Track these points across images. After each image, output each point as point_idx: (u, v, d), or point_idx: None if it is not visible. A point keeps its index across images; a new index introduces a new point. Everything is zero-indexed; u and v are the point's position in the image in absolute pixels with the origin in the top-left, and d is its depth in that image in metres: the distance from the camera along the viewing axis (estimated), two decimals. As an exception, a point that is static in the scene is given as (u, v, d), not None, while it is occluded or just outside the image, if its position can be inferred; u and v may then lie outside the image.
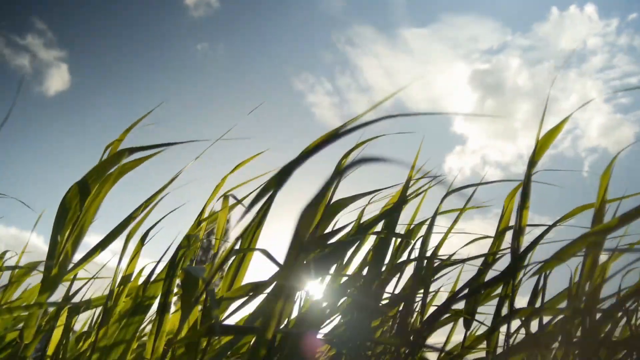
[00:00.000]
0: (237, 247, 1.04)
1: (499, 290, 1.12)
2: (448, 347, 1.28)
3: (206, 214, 1.24)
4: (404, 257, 1.23)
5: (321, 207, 1.05)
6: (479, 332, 1.28)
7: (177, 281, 1.07)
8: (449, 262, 1.12)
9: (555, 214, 1.05)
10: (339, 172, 0.57)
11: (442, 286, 1.31)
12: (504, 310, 1.05)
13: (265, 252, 0.81)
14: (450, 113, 0.59)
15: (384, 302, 1.13)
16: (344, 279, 1.16)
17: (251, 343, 1.06)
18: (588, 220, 0.96)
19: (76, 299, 1.33)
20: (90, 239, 1.18)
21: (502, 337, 1.05)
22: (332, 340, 0.89)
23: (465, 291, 1.04)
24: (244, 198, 1.17)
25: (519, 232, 0.91)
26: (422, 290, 1.11)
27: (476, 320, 1.10)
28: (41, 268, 1.26)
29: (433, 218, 1.04)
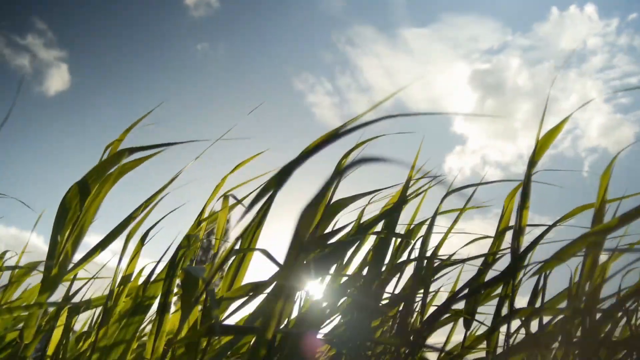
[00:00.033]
0: (237, 247, 1.04)
1: (499, 290, 1.12)
2: (448, 347, 1.28)
3: (206, 214, 1.24)
4: (404, 257, 1.23)
5: (321, 207, 1.05)
6: (479, 332, 1.28)
7: (177, 281, 1.07)
8: (449, 262, 1.12)
9: (556, 214, 1.05)
10: (339, 172, 0.57)
11: (442, 286, 1.31)
12: (504, 310, 1.05)
13: (265, 252, 0.81)
14: (450, 113, 0.59)
15: (384, 302, 1.13)
16: (344, 279, 1.16)
17: (251, 343, 1.06)
18: (588, 220, 0.96)
19: (76, 299, 1.33)
20: (91, 239, 1.18)
21: (502, 337, 1.05)
22: (332, 340, 0.89)
23: (465, 291, 1.04)
24: (244, 198, 1.17)
25: (519, 232, 0.91)
26: (422, 290, 1.11)
27: (476, 321, 1.10)
28: (41, 268, 1.26)
29: (433, 218, 1.04)
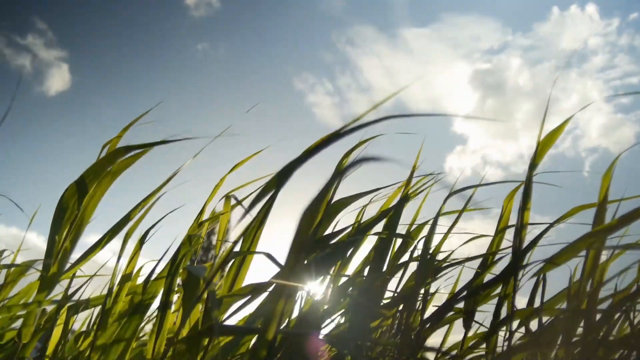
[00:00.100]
0: (238, 247, 1.04)
1: (499, 290, 1.12)
2: (445, 347, 1.28)
3: (206, 214, 1.24)
4: (405, 257, 1.22)
5: (322, 207, 1.05)
6: (479, 332, 1.28)
7: (178, 281, 1.06)
8: (450, 263, 1.12)
9: (556, 214, 1.05)
10: (340, 173, 0.56)
11: (442, 287, 1.31)
12: (504, 310, 1.05)
13: (267, 254, 0.81)
14: (450, 114, 0.58)
15: (384, 302, 1.13)
16: (345, 279, 1.16)
17: (252, 343, 1.06)
18: (589, 220, 0.96)
19: (75, 299, 1.32)
20: (90, 239, 1.18)
21: (502, 337, 1.05)
22: (333, 340, 0.88)
23: (466, 292, 1.04)
24: (244, 199, 1.17)
25: (520, 229, 0.91)
26: (422, 290, 1.11)
27: (476, 322, 1.10)
28: (38, 266, 1.26)
29: (436, 219, 1.04)
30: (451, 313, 1.13)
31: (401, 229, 1.24)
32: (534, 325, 1.05)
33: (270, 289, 0.91)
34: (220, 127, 1.18)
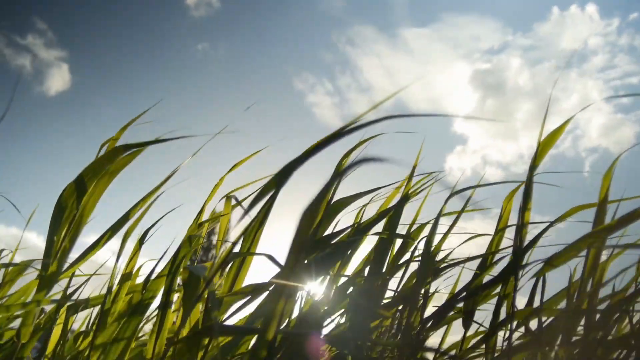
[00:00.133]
0: (238, 247, 1.04)
1: (498, 289, 1.12)
2: (444, 347, 1.28)
3: (205, 214, 1.24)
4: (406, 257, 1.22)
5: (322, 207, 1.05)
6: (478, 331, 1.28)
7: (178, 281, 1.06)
8: (451, 263, 1.12)
9: (556, 215, 1.05)
10: (339, 173, 0.56)
11: (441, 286, 1.31)
12: (504, 310, 1.05)
13: (266, 255, 0.80)
14: (450, 114, 0.58)
15: (384, 302, 1.13)
16: (345, 279, 1.16)
17: (252, 343, 1.06)
18: (589, 220, 0.96)
19: (74, 298, 1.32)
20: (89, 239, 1.18)
21: (501, 337, 1.05)
22: (333, 340, 0.88)
23: (466, 292, 1.04)
24: (244, 199, 1.17)
25: (521, 228, 0.91)
26: (422, 290, 1.11)
27: (475, 322, 1.10)
28: (37, 265, 1.25)
29: (437, 219, 1.04)
30: (451, 313, 1.13)
31: (402, 229, 1.24)
32: (533, 324, 1.05)
33: (270, 289, 0.91)
34: (221, 126, 1.18)
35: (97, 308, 1.38)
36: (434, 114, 0.57)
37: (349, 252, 1.18)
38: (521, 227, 0.91)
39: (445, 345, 1.30)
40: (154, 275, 1.11)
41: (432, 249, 1.17)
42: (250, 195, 1.27)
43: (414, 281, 1.20)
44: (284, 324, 1.01)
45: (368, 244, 1.26)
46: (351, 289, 1.13)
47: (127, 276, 1.17)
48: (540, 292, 1.07)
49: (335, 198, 1.14)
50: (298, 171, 0.57)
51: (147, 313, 1.19)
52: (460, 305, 1.11)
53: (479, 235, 1.24)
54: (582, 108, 0.90)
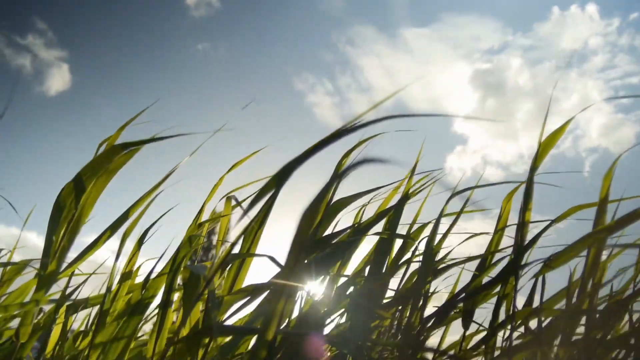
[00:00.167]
0: (238, 247, 1.04)
1: (498, 289, 1.12)
2: (443, 347, 1.28)
3: (205, 214, 1.24)
4: (406, 257, 1.22)
5: (322, 207, 1.05)
6: (477, 330, 1.27)
7: (178, 280, 1.06)
8: (451, 263, 1.12)
9: (556, 215, 1.05)
10: (339, 174, 0.56)
11: (441, 286, 1.31)
12: (504, 310, 1.05)
13: (267, 256, 0.80)
14: (450, 115, 0.58)
15: (385, 302, 1.13)
16: (345, 278, 1.16)
17: (252, 343, 1.06)
18: (589, 220, 0.96)
19: (74, 298, 1.32)
20: (88, 239, 1.18)
21: (501, 336, 1.05)
22: (333, 340, 0.88)
23: (465, 293, 1.03)
24: (244, 200, 1.17)
25: (522, 226, 0.91)
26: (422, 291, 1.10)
27: (475, 322, 1.10)
28: (35, 265, 1.25)
29: (438, 220, 1.04)
30: (451, 313, 1.13)
31: (403, 229, 1.24)
32: (533, 324, 1.05)
33: (270, 289, 0.91)
34: (222, 128, 1.17)
35: (97, 308, 1.38)
36: (434, 114, 0.57)
37: (349, 252, 1.18)
38: (522, 225, 0.91)
39: (444, 345, 1.30)
40: (153, 275, 1.11)
41: (432, 249, 1.16)
42: (250, 195, 1.27)
43: (414, 280, 1.20)
44: (284, 324, 1.01)
45: (368, 243, 1.26)
46: (351, 289, 1.12)
47: (127, 275, 1.17)
48: (539, 292, 1.07)
49: (335, 198, 1.14)
50: (298, 171, 0.57)
51: (147, 313, 1.18)
52: (460, 305, 1.11)
53: (476, 234, 1.23)
54: (582, 109, 0.90)
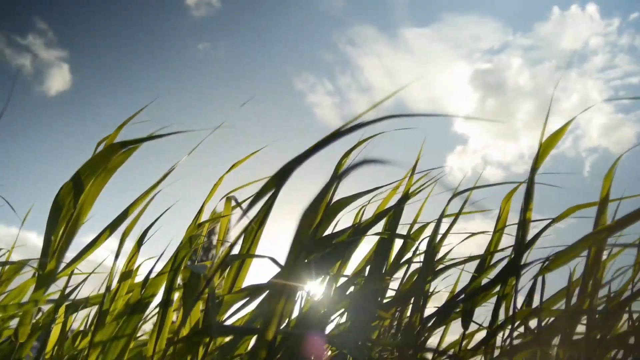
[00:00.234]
0: (238, 247, 1.04)
1: (498, 289, 1.12)
2: (443, 347, 1.27)
3: (204, 213, 1.24)
4: (406, 258, 1.22)
5: (322, 208, 1.05)
6: (477, 330, 1.27)
7: (178, 280, 1.06)
8: (451, 264, 1.12)
9: (556, 214, 1.05)
10: (339, 175, 0.56)
11: (440, 286, 1.30)
12: (504, 311, 1.05)
13: (266, 257, 0.80)
14: (451, 115, 0.58)
15: (385, 302, 1.13)
16: (346, 278, 1.15)
17: (251, 343, 1.06)
18: (589, 220, 0.96)
19: (73, 297, 1.32)
20: (87, 238, 1.17)
21: (501, 336, 1.05)
22: (334, 340, 0.88)
23: (465, 294, 1.03)
24: (244, 201, 1.16)
25: (524, 223, 0.91)
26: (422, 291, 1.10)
27: (474, 322, 1.10)
28: (34, 264, 1.25)
29: (439, 220, 1.04)
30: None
31: (403, 229, 1.23)
32: (532, 323, 1.05)
33: (270, 289, 0.90)
34: (222, 126, 1.17)
35: (96, 307, 1.38)
36: (434, 114, 0.57)
37: (348, 252, 1.18)
38: (524, 224, 0.91)
39: (444, 345, 1.29)
40: (153, 274, 1.11)
41: (432, 249, 1.16)
42: (250, 196, 1.26)
43: (414, 280, 1.20)
44: (284, 324, 1.01)
45: (368, 243, 1.26)
46: (351, 288, 1.12)
47: (127, 275, 1.17)
48: (539, 292, 1.07)
49: (335, 198, 1.14)
50: (298, 171, 0.56)
51: (147, 312, 1.18)
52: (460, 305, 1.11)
53: (474, 234, 1.23)
54: (583, 109, 0.90)
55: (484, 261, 1.12)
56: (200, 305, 1.10)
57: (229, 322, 1.05)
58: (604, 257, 1.01)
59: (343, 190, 1.70)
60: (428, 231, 1.24)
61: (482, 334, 1.11)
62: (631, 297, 0.91)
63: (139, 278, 1.23)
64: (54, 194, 0.97)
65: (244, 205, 1.13)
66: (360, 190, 1.19)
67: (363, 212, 1.27)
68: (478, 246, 1.24)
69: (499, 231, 1.14)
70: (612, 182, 0.96)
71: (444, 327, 1.34)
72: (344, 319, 1.15)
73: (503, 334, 1.01)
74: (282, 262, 0.74)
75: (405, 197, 1.19)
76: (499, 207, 1.17)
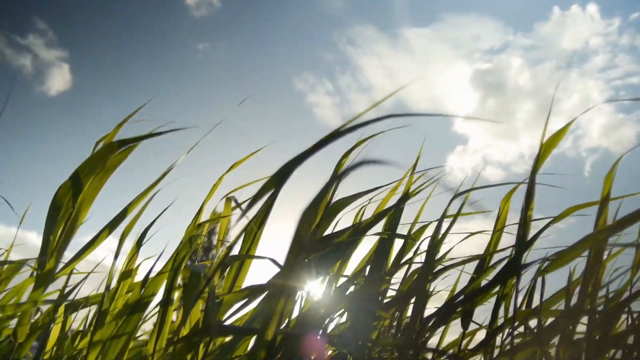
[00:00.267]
0: (237, 248, 1.03)
1: (497, 289, 1.12)
2: (442, 347, 1.27)
3: (204, 213, 1.23)
4: (406, 258, 1.22)
5: (321, 208, 1.05)
6: (477, 330, 1.27)
7: (178, 280, 1.06)
8: (451, 264, 1.12)
9: (557, 214, 1.05)
10: (339, 175, 0.56)
11: (440, 285, 1.30)
12: (504, 311, 1.05)
13: (266, 257, 0.80)
14: (451, 115, 0.58)
15: (385, 301, 1.13)
16: (346, 278, 1.15)
17: (251, 343, 1.06)
18: (589, 220, 0.96)
19: (72, 297, 1.31)
20: (86, 238, 1.17)
21: (500, 336, 1.05)
22: (334, 340, 0.88)
23: (464, 295, 1.03)
24: (244, 202, 1.16)
25: (524, 221, 0.91)
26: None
27: (474, 322, 1.10)
28: (32, 264, 1.25)
29: (440, 221, 1.03)
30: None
31: (403, 229, 1.23)
32: (533, 323, 1.05)
33: (270, 289, 0.90)
34: (221, 126, 1.17)
35: (96, 307, 1.38)
36: (434, 113, 0.57)
37: (348, 252, 1.18)
38: (525, 223, 0.90)
39: (444, 345, 1.29)
40: (152, 274, 1.11)
41: (432, 249, 1.16)
42: (250, 197, 1.26)
43: (414, 280, 1.20)
44: (284, 324, 1.00)
45: (368, 243, 1.26)
46: (351, 288, 1.12)
47: (126, 274, 1.17)
48: (539, 292, 1.07)
49: (335, 198, 1.14)
50: (298, 171, 0.56)
51: (146, 312, 1.18)
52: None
53: (473, 233, 1.23)
54: (584, 111, 0.90)
55: (483, 261, 1.12)
56: (200, 305, 1.10)
57: (228, 322, 1.05)
58: (605, 257, 1.01)
59: (343, 190, 1.70)
60: (428, 231, 1.24)
61: (482, 334, 1.11)
62: (629, 298, 0.91)
63: (139, 277, 1.23)
64: (53, 194, 0.97)
65: (244, 206, 1.12)
66: (360, 190, 1.18)
67: (363, 212, 1.27)
68: (478, 246, 1.24)
69: (498, 231, 1.14)
70: (613, 183, 0.96)
71: (444, 327, 1.34)
72: (344, 319, 1.15)
73: (503, 334, 1.01)
74: (282, 262, 0.74)
75: (405, 197, 1.19)
76: (498, 207, 1.17)
